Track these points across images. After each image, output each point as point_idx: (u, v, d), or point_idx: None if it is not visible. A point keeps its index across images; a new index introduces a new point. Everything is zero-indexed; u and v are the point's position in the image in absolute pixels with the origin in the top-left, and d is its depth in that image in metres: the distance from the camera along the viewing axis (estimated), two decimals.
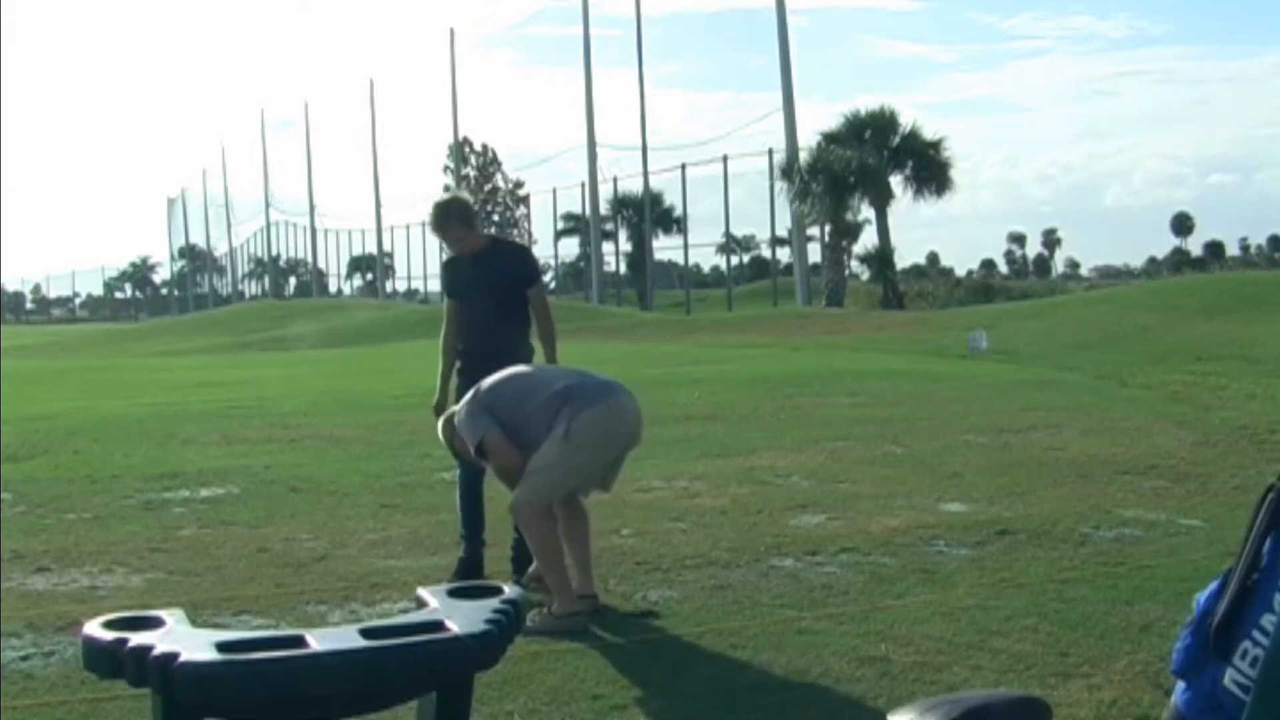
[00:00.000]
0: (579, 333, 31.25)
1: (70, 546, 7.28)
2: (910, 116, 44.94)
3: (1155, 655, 4.85)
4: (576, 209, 53.49)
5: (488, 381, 5.90)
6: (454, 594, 1.82)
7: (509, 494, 5.84)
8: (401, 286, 66.40)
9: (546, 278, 69.57)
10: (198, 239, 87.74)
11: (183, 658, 1.54)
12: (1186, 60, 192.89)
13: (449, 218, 6.67)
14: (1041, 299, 31.59)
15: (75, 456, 10.80)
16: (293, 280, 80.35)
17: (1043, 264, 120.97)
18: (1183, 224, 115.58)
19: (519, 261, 6.94)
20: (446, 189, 62.88)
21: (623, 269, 55.47)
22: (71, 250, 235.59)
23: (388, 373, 18.13)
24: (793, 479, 9.12)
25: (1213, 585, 1.84)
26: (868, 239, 38.97)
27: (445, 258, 7.23)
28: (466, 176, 70.21)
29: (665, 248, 53.07)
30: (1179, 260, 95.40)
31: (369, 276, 71.53)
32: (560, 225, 58.12)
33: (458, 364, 6.68)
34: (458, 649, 1.66)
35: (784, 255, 46.56)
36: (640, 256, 51.82)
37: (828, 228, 39.15)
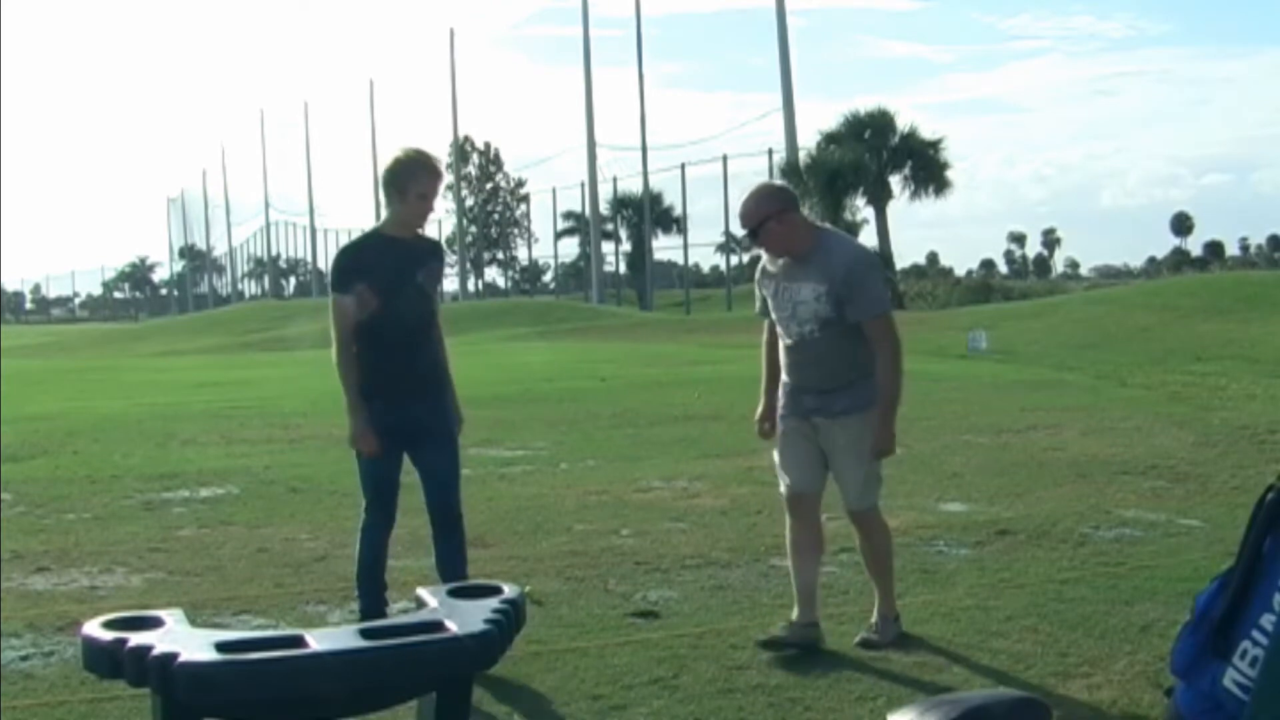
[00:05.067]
0: (579, 332, 31.25)
1: (70, 546, 7.28)
2: (909, 117, 45.09)
3: (1155, 655, 4.85)
4: (576, 209, 53.54)
5: (877, 257, 5.52)
6: (454, 594, 1.82)
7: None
8: None
9: (547, 277, 69.72)
10: (198, 239, 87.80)
11: (182, 658, 1.54)
12: (1185, 61, 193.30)
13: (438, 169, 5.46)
14: (1041, 299, 31.58)
15: (75, 456, 10.79)
16: (292, 280, 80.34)
17: (1042, 264, 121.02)
18: (1182, 224, 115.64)
19: (438, 262, 5.65)
20: (449, 188, 62.82)
21: (623, 269, 55.49)
22: (71, 250, 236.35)
23: None
24: None
25: (1213, 585, 1.85)
26: (866, 239, 39.02)
27: (349, 242, 6.00)
28: (468, 175, 70.28)
29: (665, 247, 53.16)
30: (1179, 260, 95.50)
31: None
32: (560, 225, 58.20)
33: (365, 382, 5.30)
34: (457, 649, 1.66)
35: None
36: (640, 256, 51.84)
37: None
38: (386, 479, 5.49)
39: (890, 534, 5.55)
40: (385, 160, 5.39)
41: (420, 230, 5.48)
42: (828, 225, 5.83)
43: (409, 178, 5.24)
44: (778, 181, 6.39)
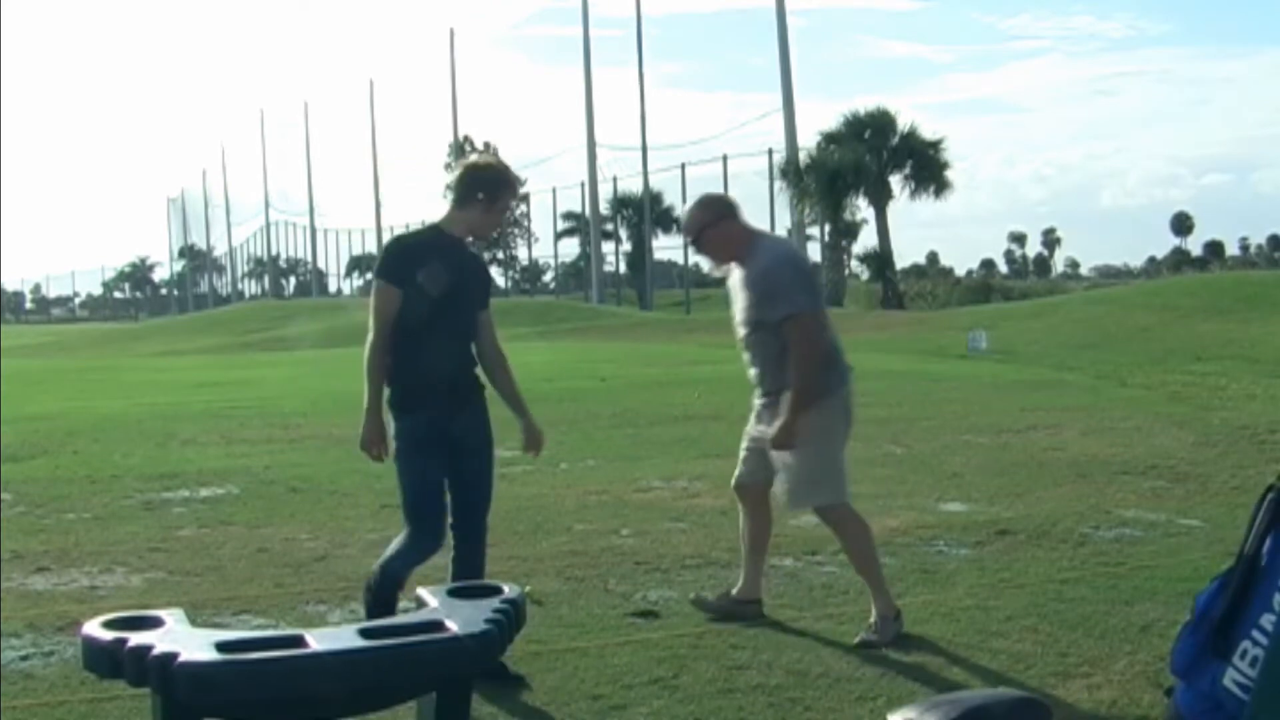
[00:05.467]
0: (579, 332, 31.24)
1: (70, 546, 7.27)
2: (909, 117, 45.09)
3: (1155, 655, 4.85)
4: (576, 209, 53.52)
5: (805, 260, 5.54)
6: (454, 594, 1.82)
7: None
8: None
9: (547, 277, 69.66)
10: (198, 239, 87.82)
11: (182, 658, 1.54)
12: (1185, 60, 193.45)
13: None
14: (1041, 299, 31.57)
15: (75, 456, 10.79)
16: (292, 280, 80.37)
17: (1042, 264, 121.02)
18: (1182, 224, 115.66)
19: (485, 275, 5.48)
20: (449, 188, 62.84)
21: (623, 269, 55.45)
22: (71, 250, 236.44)
23: None
24: None
25: (1213, 585, 1.85)
26: (867, 239, 39.06)
27: (397, 235, 5.71)
28: None
29: (665, 247, 53.08)
30: (1179, 260, 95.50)
31: (369, 276, 71.49)
32: (560, 225, 58.15)
33: (395, 388, 5.04)
34: (458, 649, 1.66)
35: None
36: (640, 256, 51.81)
37: (827, 228, 39.20)
38: (428, 497, 5.04)
39: (867, 531, 5.57)
40: (479, 160, 5.23)
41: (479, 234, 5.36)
42: (765, 231, 5.99)
43: (506, 190, 5.15)
44: (716, 192, 6.39)
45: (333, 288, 74.67)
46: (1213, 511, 7.63)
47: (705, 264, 5.85)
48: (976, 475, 9.06)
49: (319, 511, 8.24)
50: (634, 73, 46.79)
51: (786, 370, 5.35)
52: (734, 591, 5.70)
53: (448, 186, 5.13)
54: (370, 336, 5.01)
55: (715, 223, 5.53)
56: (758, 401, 5.61)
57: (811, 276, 5.70)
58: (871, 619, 5.39)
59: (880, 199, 37.34)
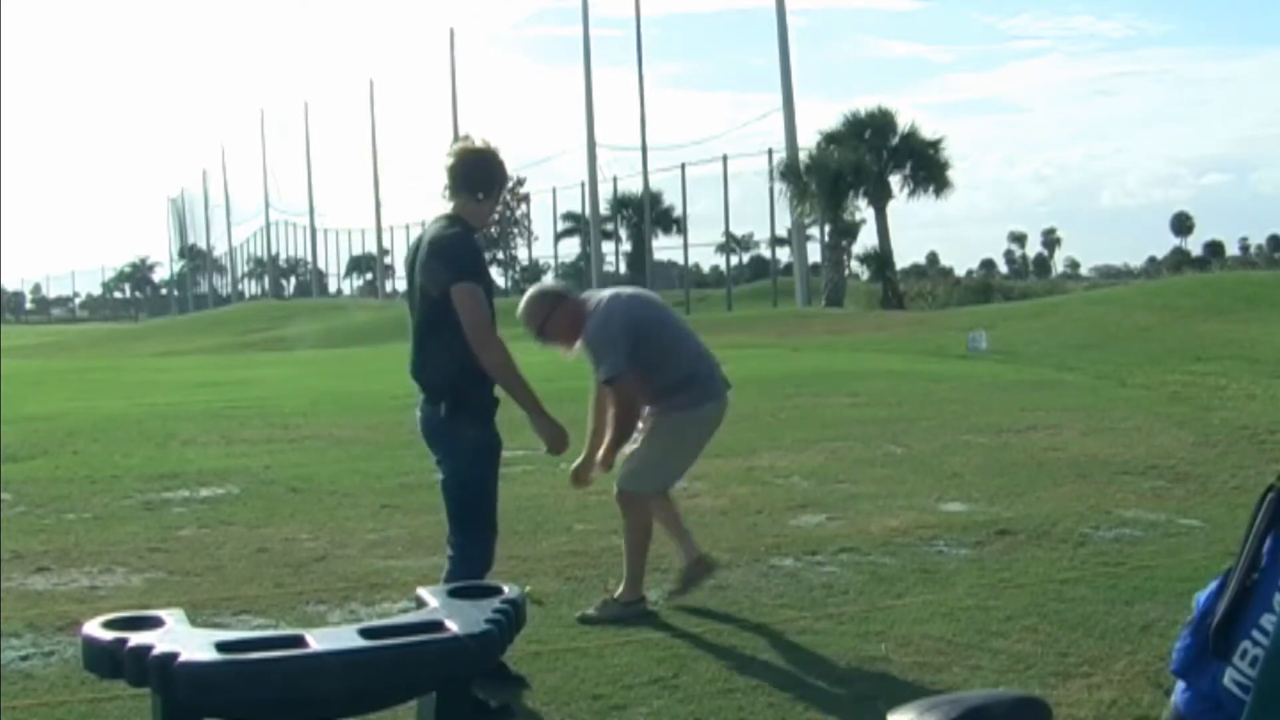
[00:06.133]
0: None
1: (70, 546, 7.28)
2: (909, 117, 45.04)
3: (1155, 655, 4.85)
4: (576, 209, 53.52)
5: (628, 313, 5.58)
6: (454, 594, 1.82)
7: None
8: (401, 286, 66.38)
9: (547, 277, 69.66)
10: (198, 239, 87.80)
11: (182, 658, 1.54)
12: (1185, 61, 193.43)
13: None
14: (1041, 299, 31.55)
15: (75, 456, 10.79)
16: (292, 280, 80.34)
17: (1042, 264, 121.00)
18: (1182, 224, 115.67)
19: (434, 261, 4.96)
20: (448, 188, 62.81)
21: (623, 269, 55.44)
22: (71, 250, 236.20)
23: (388, 373, 18.09)
24: (793, 479, 9.12)
25: (1213, 585, 1.85)
26: (867, 239, 39.03)
27: (456, 231, 4.87)
28: None
29: (665, 247, 53.08)
30: (1179, 260, 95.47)
31: (369, 276, 71.55)
32: (560, 225, 58.13)
33: (473, 392, 4.88)
34: (458, 649, 1.66)
35: (784, 255, 46.63)
36: (640, 256, 51.81)
37: (827, 228, 39.17)
38: (495, 503, 5.01)
39: (647, 530, 5.84)
40: (480, 150, 4.97)
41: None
42: (593, 295, 6.01)
43: (504, 180, 5.06)
44: (543, 283, 6.58)
45: (333, 288, 74.64)
46: (1213, 511, 7.63)
47: (560, 352, 5.88)
48: (976, 475, 9.06)
49: (319, 511, 8.24)
50: (634, 73, 46.73)
51: (657, 398, 5.72)
52: (679, 565, 5.97)
53: (463, 177, 4.90)
54: (490, 340, 4.78)
55: (551, 311, 5.73)
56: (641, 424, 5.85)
57: (637, 329, 5.69)
58: (617, 593, 5.76)
59: (880, 199, 37.28)
